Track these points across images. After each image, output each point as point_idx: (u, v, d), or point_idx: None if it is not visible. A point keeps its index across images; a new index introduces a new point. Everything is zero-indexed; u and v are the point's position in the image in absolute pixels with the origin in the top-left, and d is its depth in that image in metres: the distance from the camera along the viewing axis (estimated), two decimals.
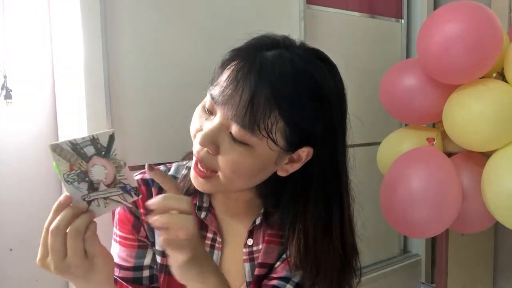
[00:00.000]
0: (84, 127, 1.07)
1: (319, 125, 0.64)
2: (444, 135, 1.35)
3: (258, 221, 0.74)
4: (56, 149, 0.54)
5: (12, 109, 1.14)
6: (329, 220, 0.68)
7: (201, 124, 0.65)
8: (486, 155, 1.23)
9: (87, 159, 0.56)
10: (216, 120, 0.62)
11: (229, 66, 0.62)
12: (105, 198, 0.58)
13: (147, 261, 0.74)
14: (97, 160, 0.57)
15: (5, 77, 1.11)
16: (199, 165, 0.65)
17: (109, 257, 0.58)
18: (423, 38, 1.21)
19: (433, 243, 1.98)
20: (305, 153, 0.65)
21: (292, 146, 0.63)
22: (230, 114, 0.60)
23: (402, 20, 1.87)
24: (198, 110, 0.67)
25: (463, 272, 1.70)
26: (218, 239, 0.75)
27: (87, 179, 0.56)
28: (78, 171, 0.56)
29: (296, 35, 1.48)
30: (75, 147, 0.55)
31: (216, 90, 0.62)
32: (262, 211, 0.75)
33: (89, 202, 0.57)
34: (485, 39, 1.11)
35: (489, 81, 1.19)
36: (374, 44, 1.78)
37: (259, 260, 0.75)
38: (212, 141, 0.61)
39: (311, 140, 0.64)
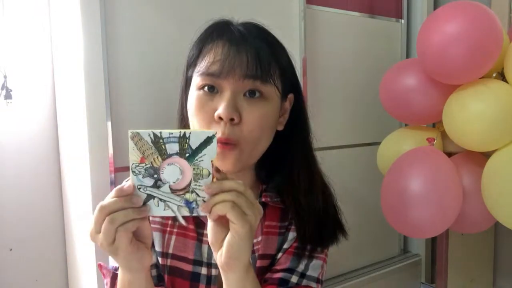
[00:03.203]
0: (84, 127, 1.07)
1: (294, 74, 0.77)
2: (444, 135, 1.35)
3: None
4: (134, 137, 0.52)
5: (12, 109, 1.14)
6: (309, 160, 0.79)
7: (212, 107, 0.67)
8: (486, 155, 1.23)
9: (165, 156, 0.53)
10: (227, 91, 0.66)
11: (210, 46, 0.69)
12: (164, 201, 0.54)
13: (153, 259, 0.75)
14: (176, 160, 0.53)
15: (5, 77, 1.11)
16: (226, 144, 0.67)
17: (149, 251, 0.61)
18: (423, 38, 1.21)
19: (433, 243, 1.98)
20: (288, 101, 0.76)
21: (285, 93, 0.74)
22: (241, 75, 0.66)
23: (402, 20, 1.87)
24: (199, 98, 0.68)
25: (463, 272, 1.70)
26: None
27: (155, 176, 0.53)
28: (148, 165, 0.53)
29: (296, 35, 1.49)
30: (157, 140, 0.52)
31: (214, 67, 0.66)
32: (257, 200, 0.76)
33: (149, 197, 0.54)
34: (485, 39, 1.11)
35: (489, 81, 1.19)
36: (374, 44, 1.78)
37: (260, 252, 0.76)
38: (236, 109, 0.66)
39: (292, 87, 0.76)
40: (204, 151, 0.53)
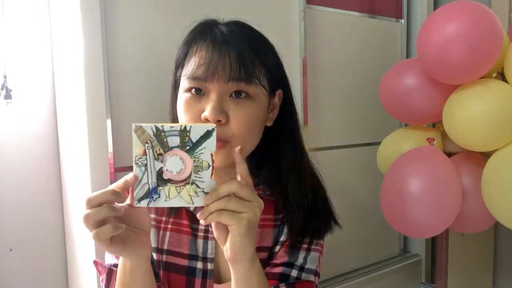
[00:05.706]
0: (84, 127, 1.07)
1: (282, 70, 0.78)
2: (444, 135, 1.35)
3: None
4: (137, 130, 0.54)
5: (12, 109, 1.14)
6: (297, 154, 0.79)
7: (199, 109, 0.68)
8: (486, 155, 1.23)
9: (167, 148, 0.55)
10: (213, 93, 0.68)
11: (195, 49, 0.70)
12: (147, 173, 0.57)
13: None
14: (177, 152, 0.56)
15: (5, 77, 1.11)
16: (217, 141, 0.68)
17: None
18: (423, 38, 1.21)
19: (433, 243, 1.98)
20: (277, 97, 0.77)
21: (272, 90, 0.75)
22: (225, 78, 0.67)
23: (402, 20, 1.87)
24: (187, 100, 0.70)
25: (463, 272, 1.70)
26: (211, 229, 0.75)
27: (158, 167, 0.56)
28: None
29: (296, 35, 1.49)
30: (159, 133, 0.55)
31: (199, 71, 0.68)
32: None
33: (148, 193, 0.57)
34: (485, 39, 1.11)
35: (489, 81, 1.19)
36: (374, 44, 1.78)
37: (256, 245, 0.76)
38: (222, 110, 0.67)
39: (280, 83, 0.77)
40: (204, 144, 0.56)
